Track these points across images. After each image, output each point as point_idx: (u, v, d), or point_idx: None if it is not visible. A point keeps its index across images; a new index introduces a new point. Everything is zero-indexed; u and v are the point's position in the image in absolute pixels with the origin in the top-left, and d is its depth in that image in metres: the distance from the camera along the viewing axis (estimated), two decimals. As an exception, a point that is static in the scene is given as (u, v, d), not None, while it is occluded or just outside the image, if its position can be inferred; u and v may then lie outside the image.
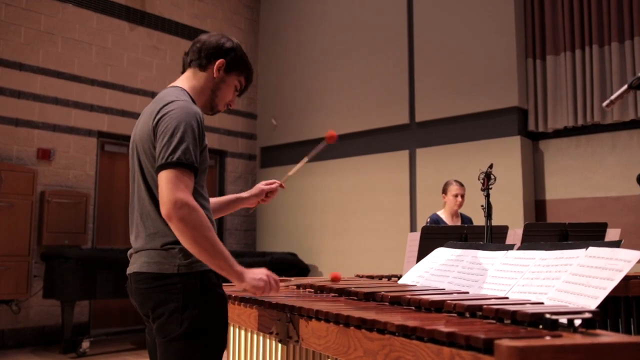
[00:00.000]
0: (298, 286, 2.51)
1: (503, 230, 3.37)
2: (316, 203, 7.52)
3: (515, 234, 3.32)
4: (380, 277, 3.36)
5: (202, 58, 2.02)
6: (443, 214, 4.78)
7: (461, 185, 4.73)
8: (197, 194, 1.87)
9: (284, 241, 7.83)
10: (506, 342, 0.97)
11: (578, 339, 1.04)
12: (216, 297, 1.86)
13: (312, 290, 2.35)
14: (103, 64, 7.02)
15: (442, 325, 1.22)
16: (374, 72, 6.99)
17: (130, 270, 1.91)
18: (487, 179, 3.02)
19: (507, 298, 1.63)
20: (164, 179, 1.73)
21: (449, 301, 1.46)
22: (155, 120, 1.84)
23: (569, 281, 1.73)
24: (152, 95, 7.43)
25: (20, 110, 6.34)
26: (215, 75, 2.01)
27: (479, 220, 4.56)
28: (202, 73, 2.02)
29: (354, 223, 6.97)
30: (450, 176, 5.02)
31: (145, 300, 1.85)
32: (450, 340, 1.12)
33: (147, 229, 1.87)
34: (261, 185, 2.44)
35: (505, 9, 5.95)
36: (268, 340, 2.15)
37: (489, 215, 3.00)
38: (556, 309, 1.25)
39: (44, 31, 6.58)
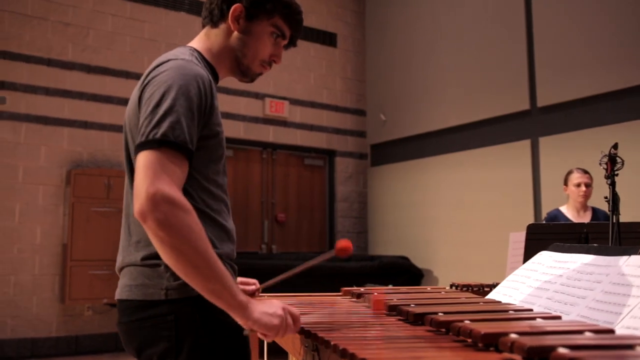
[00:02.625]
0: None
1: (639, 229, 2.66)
2: (430, 201, 6.93)
3: (655, 233, 2.60)
4: (481, 287, 2.79)
5: (214, 9, 1.51)
6: (566, 209, 4.05)
7: (585, 172, 3.99)
8: (203, 191, 1.40)
9: (396, 244, 7.32)
10: None
11: None
12: (226, 330, 1.36)
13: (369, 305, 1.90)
14: (206, 67, 6.98)
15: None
16: (488, 55, 6.27)
17: (116, 296, 1.46)
18: (612, 163, 2.36)
19: (612, 332, 1.07)
20: (142, 162, 1.23)
21: (505, 338, 0.95)
22: (142, 85, 1.37)
23: None
24: (255, 96, 7.30)
25: (127, 117, 6.44)
26: (234, 28, 1.50)
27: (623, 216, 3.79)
28: (217, 30, 1.53)
29: (471, 223, 6.30)
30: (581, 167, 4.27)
31: (129, 338, 1.39)
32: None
33: (131, 236, 1.42)
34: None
35: (643, -33, 5.02)
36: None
37: (614, 209, 2.34)
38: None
39: (148, 38, 6.66)
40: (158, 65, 1.39)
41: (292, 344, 1.75)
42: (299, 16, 1.56)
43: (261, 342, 2.44)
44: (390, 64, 7.77)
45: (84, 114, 6.21)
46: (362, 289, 2.22)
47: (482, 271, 5.67)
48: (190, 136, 1.28)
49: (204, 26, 1.58)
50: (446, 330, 1.28)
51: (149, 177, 1.20)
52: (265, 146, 7.51)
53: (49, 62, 6.07)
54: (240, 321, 1.27)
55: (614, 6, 5.18)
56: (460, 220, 6.45)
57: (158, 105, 1.27)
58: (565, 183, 4.16)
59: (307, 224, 7.81)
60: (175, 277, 1.30)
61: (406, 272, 6.49)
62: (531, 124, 5.85)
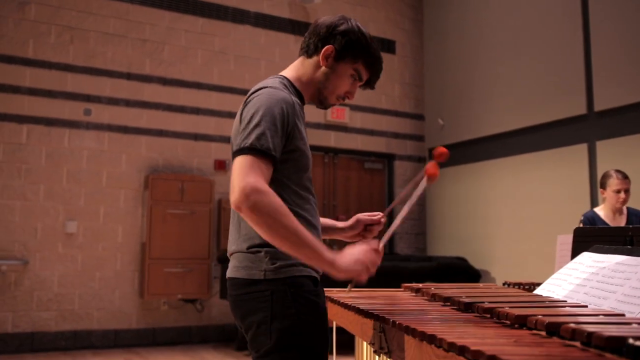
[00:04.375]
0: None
1: (681, 232, 2.81)
2: (488, 204, 7.10)
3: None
4: (531, 285, 3.02)
5: (310, 44, 1.80)
6: (601, 211, 4.16)
7: (625, 177, 4.04)
8: (294, 195, 1.69)
9: (454, 245, 7.51)
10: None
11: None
12: (310, 306, 1.66)
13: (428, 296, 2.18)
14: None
15: (496, 345, 1.01)
16: (545, 60, 6.39)
17: (227, 275, 1.80)
18: (653, 171, 2.55)
19: (622, 315, 1.32)
20: (236, 165, 1.55)
21: (531, 317, 1.22)
22: (242, 108, 1.71)
23: None
24: (318, 103, 7.64)
25: (199, 125, 6.92)
26: (322, 64, 1.77)
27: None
28: (309, 61, 1.80)
29: (528, 225, 6.43)
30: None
31: (235, 308, 1.72)
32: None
33: (240, 230, 1.72)
34: (360, 216, 2.06)
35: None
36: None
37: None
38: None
39: (218, 51, 7.12)
40: (254, 92, 1.71)
41: (360, 329, 2.05)
42: (380, 65, 1.83)
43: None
44: (447, 70, 7.97)
45: (160, 123, 6.72)
46: (420, 285, 2.50)
47: (538, 271, 5.81)
48: (274, 145, 1.58)
49: (300, 55, 1.86)
50: (490, 315, 1.56)
51: (240, 175, 1.51)
52: (327, 151, 7.85)
53: (129, 76, 6.61)
54: (331, 274, 1.57)
55: (671, 11, 5.23)
56: (518, 222, 6.59)
57: (249, 122, 1.60)
58: (603, 186, 4.19)
59: (366, 225, 8.09)
60: (272, 262, 1.62)
61: (464, 273, 6.68)
62: (588, 127, 5.94)
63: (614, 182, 4.07)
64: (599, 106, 5.82)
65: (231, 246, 1.77)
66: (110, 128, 6.48)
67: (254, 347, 1.66)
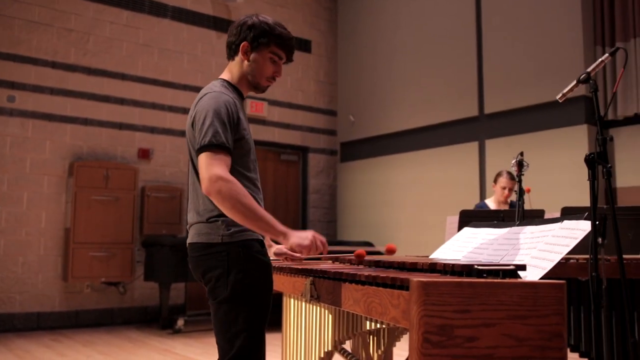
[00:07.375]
0: (341, 260, 2.90)
1: (539, 214, 3.58)
2: (392, 194, 7.85)
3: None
4: (427, 257, 3.68)
5: (230, 49, 2.18)
6: (491, 203, 4.95)
7: (512, 179, 4.83)
8: (240, 176, 2.02)
9: (362, 231, 8.21)
10: (416, 279, 1.32)
11: (482, 280, 1.37)
12: (259, 263, 2.04)
13: (350, 263, 2.74)
14: (194, 70, 7.73)
15: (393, 274, 1.58)
16: (444, 67, 7.21)
17: (188, 241, 2.15)
18: (519, 166, 3.26)
19: (479, 261, 1.94)
20: (201, 160, 1.93)
21: (419, 263, 1.81)
22: (193, 113, 2.07)
23: (542, 249, 2.01)
24: (238, 97, 8.07)
25: (123, 115, 7.16)
26: (244, 59, 2.14)
27: (539, 205, 4.72)
28: (235, 61, 2.17)
29: (427, 211, 7.23)
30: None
31: (196, 267, 2.10)
32: (393, 282, 1.49)
33: (199, 206, 2.08)
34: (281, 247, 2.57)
35: (572, -2, 5.99)
36: (318, 308, 2.52)
37: (519, 199, 3.25)
38: (485, 264, 1.57)
39: (142, 44, 7.37)
40: (201, 98, 2.07)
41: (292, 286, 2.58)
42: (290, 42, 2.18)
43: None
44: (359, 69, 8.64)
45: (85, 111, 6.91)
46: (336, 255, 3.06)
47: (434, 250, 6.60)
48: (226, 138, 1.97)
49: (228, 59, 2.23)
50: (391, 267, 2.14)
51: (206, 167, 1.92)
52: (246, 142, 8.28)
53: (54, 65, 6.74)
54: (283, 242, 1.99)
55: (553, 26, 6.14)
56: (418, 209, 7.38)
57: (203, 123, 1.98)
58: (495, 181, 5.00)
59: (282, 213, 8.63)
60: (227, 228, 2.00)
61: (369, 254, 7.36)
62: (479, 128, 6.80)
63: (502, 180, 4.87)
64: (488, 109, 6.69)
65: (192, 220, 2.13)
66: (34, 115, 6.60)
67: (212, 296, 2.08)
